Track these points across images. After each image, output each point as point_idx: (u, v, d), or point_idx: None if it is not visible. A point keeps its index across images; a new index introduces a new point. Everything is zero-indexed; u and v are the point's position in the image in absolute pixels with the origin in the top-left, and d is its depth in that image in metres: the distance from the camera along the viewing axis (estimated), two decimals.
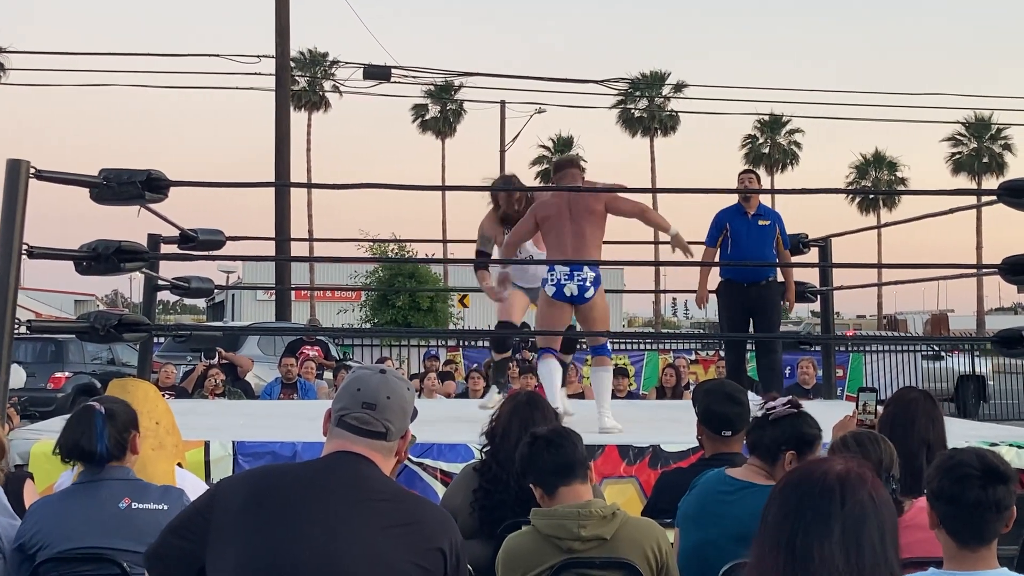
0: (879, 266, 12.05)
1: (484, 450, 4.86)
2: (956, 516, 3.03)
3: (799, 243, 10.10)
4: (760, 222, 9.36)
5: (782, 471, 4.07)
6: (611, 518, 3.74)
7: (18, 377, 16.01)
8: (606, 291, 8.15)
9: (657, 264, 10.03)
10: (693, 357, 20.48)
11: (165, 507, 3.89)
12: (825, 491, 2.31)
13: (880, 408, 5.17)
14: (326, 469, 2.94)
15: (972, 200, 8.14)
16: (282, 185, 21.74)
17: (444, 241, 36.50)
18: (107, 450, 4.01)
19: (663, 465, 6.18)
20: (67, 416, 4.22)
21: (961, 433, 7.27)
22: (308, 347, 14.55)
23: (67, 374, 19.61)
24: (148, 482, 4.06)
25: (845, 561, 2.25)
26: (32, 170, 6.40)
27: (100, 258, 6.81)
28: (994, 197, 7.36)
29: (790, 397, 4.28)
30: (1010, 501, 3.06)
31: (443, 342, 21.41)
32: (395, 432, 3.03)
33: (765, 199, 10.08)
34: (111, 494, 3.92)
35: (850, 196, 64.44)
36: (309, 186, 36.94)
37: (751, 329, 9.52)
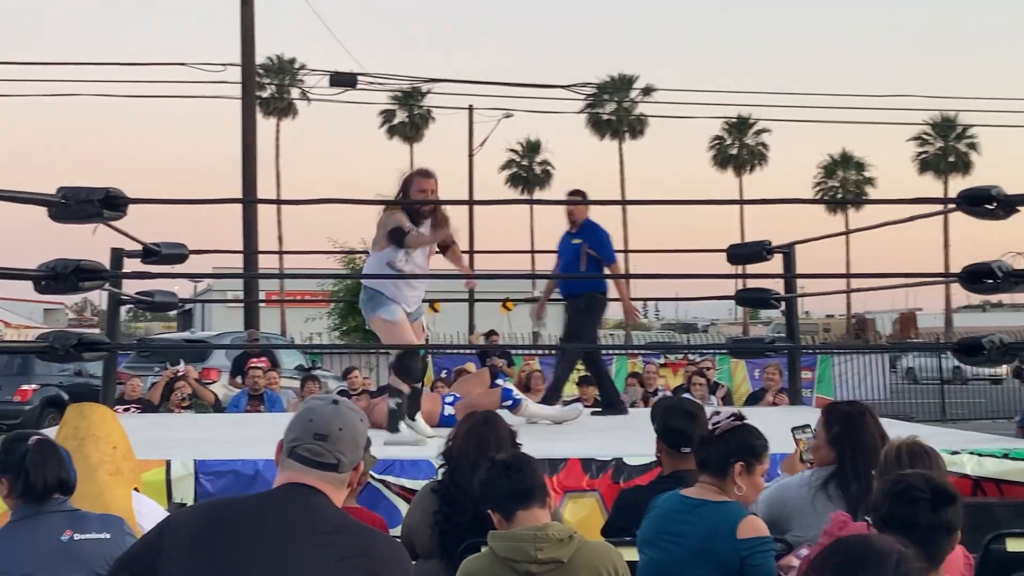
0: (844, 276, 12.11)
1: (441, 469, 4.87)
2: (908, 540, 3.03)
3: (762, 250, 10.11)
4: (573, 240, 9.70)
5: (732, 484, 4.10)
6: (568, 541, 3.73)
7: None
8: None
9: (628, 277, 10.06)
10: (662, 361, 20.46)
11: (108, 535, 3.85)
12: (883, 552, 2.30)
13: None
14: (276, 502, 2.92)
15: (933, 208, 8.17)
16: (245, 201, 21.65)
17: None
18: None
19: (626, 479, 6.17)
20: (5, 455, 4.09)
21: (923, 438, 7.30)
22: (255, 359, 14.46)
23: (34, 386, 19.48)
24: (86, 511, 4.01)
25: None
26: None
27: (58, 277, 6.76)
28: (953, 205, 7.42)
29: (734, 411, 4.29)
30: (959, 522, 3.07)
31: None
32: (347, 464, 3.01)
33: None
34: (52, 527, 3.85)
35: (817, 197, 64.71)
36: (269, 202, 36.73)
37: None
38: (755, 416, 4.51)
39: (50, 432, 4.66)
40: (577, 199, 9.65)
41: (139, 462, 5.35)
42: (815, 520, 4.31)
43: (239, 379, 13.53)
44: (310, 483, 2.95)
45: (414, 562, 4.69)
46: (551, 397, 9.68)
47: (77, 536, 3.84)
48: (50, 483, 3.92)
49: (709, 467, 4.19)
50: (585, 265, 9.54)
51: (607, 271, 9.61)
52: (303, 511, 2.89)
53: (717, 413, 4.31)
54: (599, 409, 10.13)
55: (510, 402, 8.28)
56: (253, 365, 13.51)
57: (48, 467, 3.93)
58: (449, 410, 8.26)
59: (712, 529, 4.01)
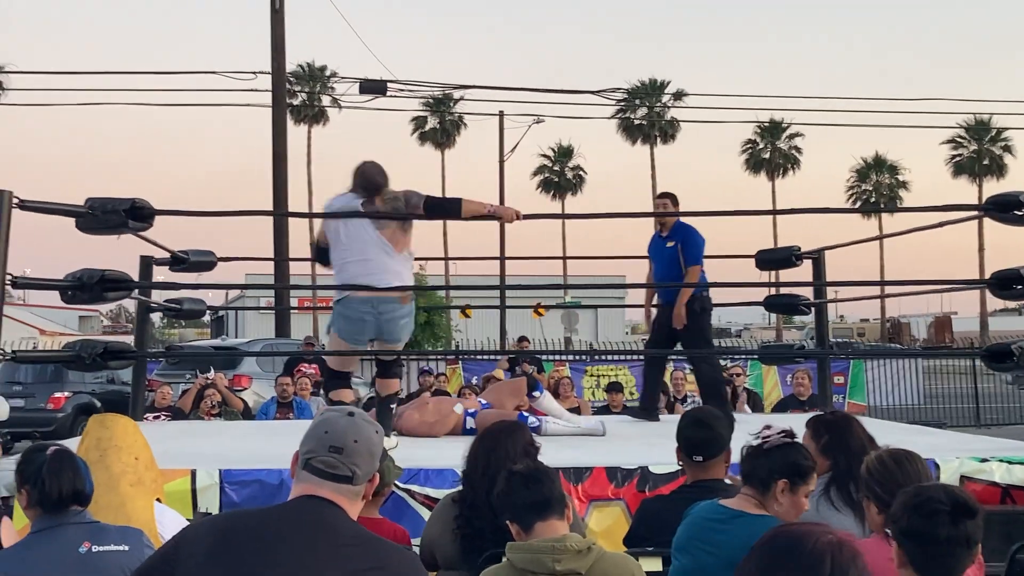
0: (873, 283, 12.03)
1: (463, 474, 4.86)
2: (927, 553, 2.99)
3: (791, 256, 10.07)
4: (667, 244, 9.64)
5: (774, 500, 4.06)
6: (586, 552, 3.71)
7: (2, 409, 15.98)
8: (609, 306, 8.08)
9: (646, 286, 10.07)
10: (691, 367, 20.30)
11: (126, 548, 3.87)
12: (815, 557, 2.25)
13: None
14: (291, 514, 2.92)
15: (961, 214, 8.11)
16: (273, 214, 21.66)
17: (446, 259, 36.42)
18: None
19: (651, 488, 6.15)
20: (24, 466, 4.12)
21: (953, 447, 7.25)
22: (305, 363, 14.54)
23: (67, 393, 19.59)
24: (104, 523, 4.03)
25: None
26: (15, 200, 6.39)
27: (84, 288, 6.82)
28: (981, 212, 7.37)
29: (785, 428, 4.25)
30: (979, 536, 3.03)
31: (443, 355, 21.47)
32: (362, 476, 3.01)
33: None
34: (71, 539, 3.88)
35: (850, 200, 64.49)
36: (295, 215, 36.67)
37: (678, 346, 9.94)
38: (790, 423, 4.49)
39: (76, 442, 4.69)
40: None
41: (164, 471, 5.39)
42: None
43: (289, 379, 13.57)
44: (325, 495, 2.95)
45: (435, 573, 4.69)
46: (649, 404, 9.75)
47: (95, 548, 3.86)
48: (65, 493, 3.94)
49: (752, 480, 4.16)
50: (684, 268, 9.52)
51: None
52: (317, 524, 2.89)
53: (768, 427, 4.27)
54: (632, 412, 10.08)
55: None
56: (304, 371, 13.57)
57: (63, 477, 3.95)
58: (470, 421, 8.20)
59: (747, 542, 3.96)
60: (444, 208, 7.43)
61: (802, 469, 4.12)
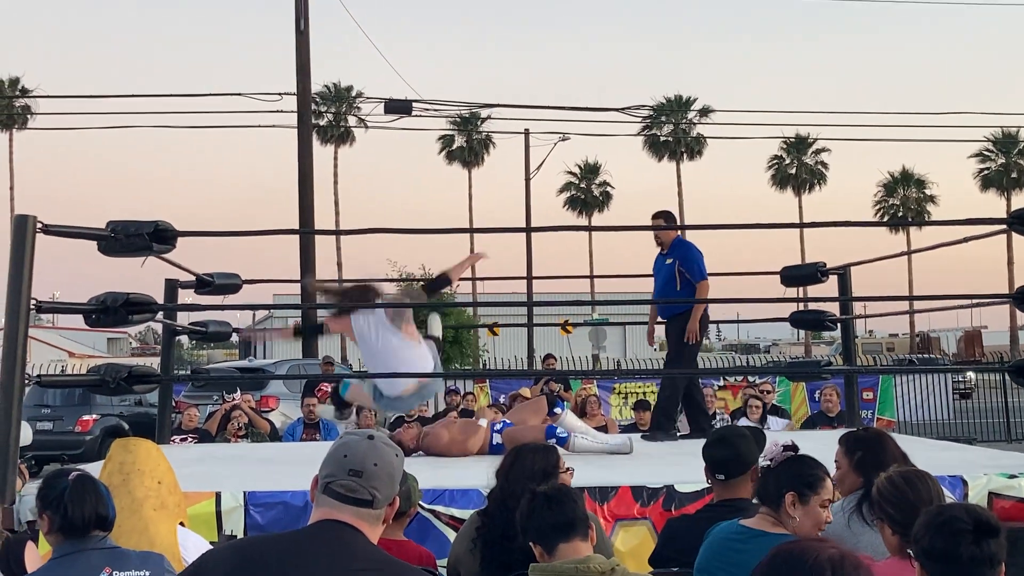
0: (898, 298, 11.92)
1: (490, 492, 4.85)
2: (949, 573, 2.96)
3: (816, 272, 10.02)
4: (666, 261, 9.75)
5: (786, 516, 4.05)
6: (609, 574, 3.69)
7: (25, 434, 16.06)
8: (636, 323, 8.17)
9: (660, 302, 10.11)
10: (721, 384, 20.25)
11: (146, 573, 3.87)
12: (815, 572, 2.23)
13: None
14: (311, 539, 2.91)
15: (987, 229, 8.04)
16: (294, 232, 21.64)
17: (473, 279, 36.49)
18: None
19: (677, 506, 6.12)
20: (45, 491, 4.12)
21: (981, 463, 7.19)
22: (325, 383, 14.55)
23: (95, 416, 19.65)
24: (125, 549, 4.03)
25: None
26: (39, 225, 6.40)
27: (108, 311, 6.84)
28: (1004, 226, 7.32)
29: (786, 442, 4.24)
30: (1002, 555, 2.99)
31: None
32: (382, 499, 2.99)
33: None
34: (92, 565, 3.87)
35: (877, 215, 64.18)
36: (319, 232, 36.81)
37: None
38: (818, 440, 4.47)
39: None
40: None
41: (189, 494, 5.38)
42: (853, 541, 4.28)
43: (315, 400, 13.61)
44: (345, 520, 2.93)
45: None
46: (663, 424, 9.72)
47: (116, 574, 3.86)
48: (88, 518, 3.94)
49: (765, 499, 4.17)
50: (681, 284, 9.57)
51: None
52: (338, 549, 2.87)
53: (775, 444, 4.26)
54: (686, 433, 10.05)
55: (554, 440, 8.01)
56: (325, 390, 13.58)
57: (86, 503, 3.95)
58: (497, 438, 8.20)
59: None
60: (439, 283, 8.49)
61: (807, 479, 4.11)
